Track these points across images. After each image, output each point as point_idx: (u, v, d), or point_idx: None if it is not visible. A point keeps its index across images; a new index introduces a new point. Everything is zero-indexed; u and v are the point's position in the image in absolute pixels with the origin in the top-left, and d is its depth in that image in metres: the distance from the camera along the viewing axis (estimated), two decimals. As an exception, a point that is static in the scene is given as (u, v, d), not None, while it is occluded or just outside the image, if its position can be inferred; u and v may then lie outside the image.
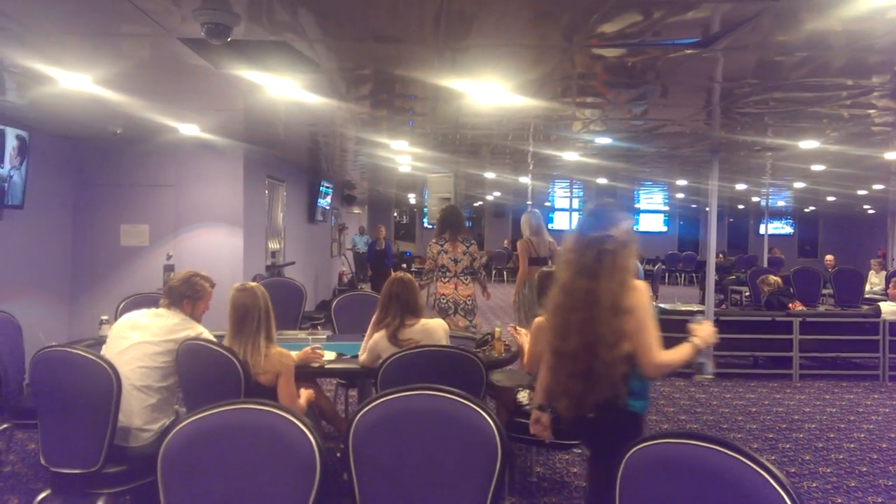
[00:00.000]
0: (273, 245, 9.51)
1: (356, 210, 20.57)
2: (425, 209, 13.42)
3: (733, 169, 9.81)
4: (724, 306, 11.76)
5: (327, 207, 13.14)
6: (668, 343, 2.43)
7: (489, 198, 19.73)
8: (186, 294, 3.47)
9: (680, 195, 16.39)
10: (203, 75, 4.28)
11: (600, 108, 5.52)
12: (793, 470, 4.75)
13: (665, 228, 24.70)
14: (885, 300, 8.46)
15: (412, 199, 20.61)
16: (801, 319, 7.70)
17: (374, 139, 7.44)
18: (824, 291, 11.12)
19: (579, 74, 4.28)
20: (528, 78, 4.33)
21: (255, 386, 3.15)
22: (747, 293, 11.45)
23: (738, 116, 5.68)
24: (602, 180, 12.56)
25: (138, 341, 3.31)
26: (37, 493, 3.44)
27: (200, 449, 2.05)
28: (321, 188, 12.05)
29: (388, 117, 6.03)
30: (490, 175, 11.96)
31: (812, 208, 20.22)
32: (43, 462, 3.14)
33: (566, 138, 7.20)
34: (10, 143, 5.95)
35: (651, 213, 24.30)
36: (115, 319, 3.79)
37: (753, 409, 6.34)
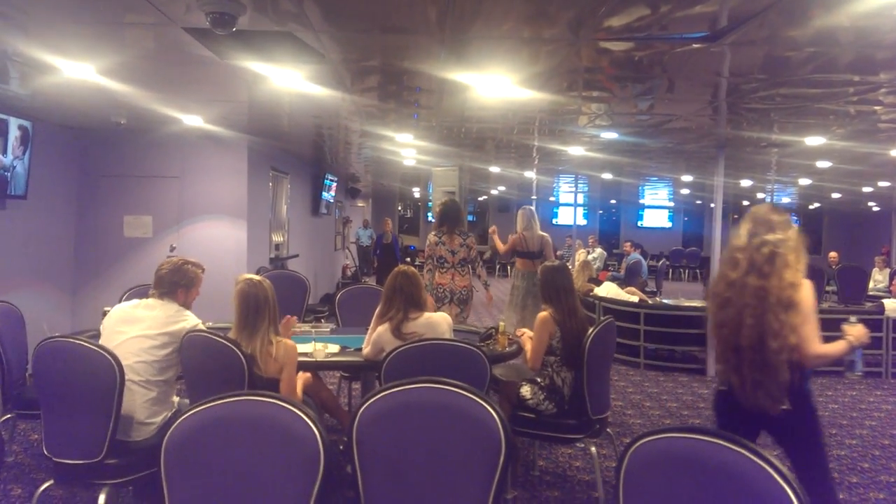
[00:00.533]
0: (277, 237, 9.51)
1: (360, 203, 20.58)
2: (430, 203, 13.38)
3: (739, 165, 9.76)
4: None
5: (331, 200, 13.11)
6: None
7: (494, 192, 19.71)
8: (181, 283, 3.43)
9: (685, 191, 16.35)
10: (207, 66, 4.27)
11: (606, 103, 5.51)
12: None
13: (669, 224, 24.67)
14: (889, 297, 8.44)
15: (416, 192, 20.59)
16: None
17: (378, 132, 7.43)
18: (828, 288, 11.09)
19: (586, 68, 4.27)
20: (535, 71, 4.31)
21: (259, 378, 3.15)
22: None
23: (745, 112, 5.66)
24: (607, 175, 12.53)
25: (134, 335, 3.27)
26: (40, 484, 3.44)
27: (204, 440, 2.04)
28: (325, 181, 12.03)
29: (393, 110, 6.02)
30: (495, 169, 11.94)
31: (817, 205, 20.15)
32: (46, 452, 3.13)
33: (572, 132, 7.18)
34: (13, 133, 5.94)
35: (656, 208, 24.26)
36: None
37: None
